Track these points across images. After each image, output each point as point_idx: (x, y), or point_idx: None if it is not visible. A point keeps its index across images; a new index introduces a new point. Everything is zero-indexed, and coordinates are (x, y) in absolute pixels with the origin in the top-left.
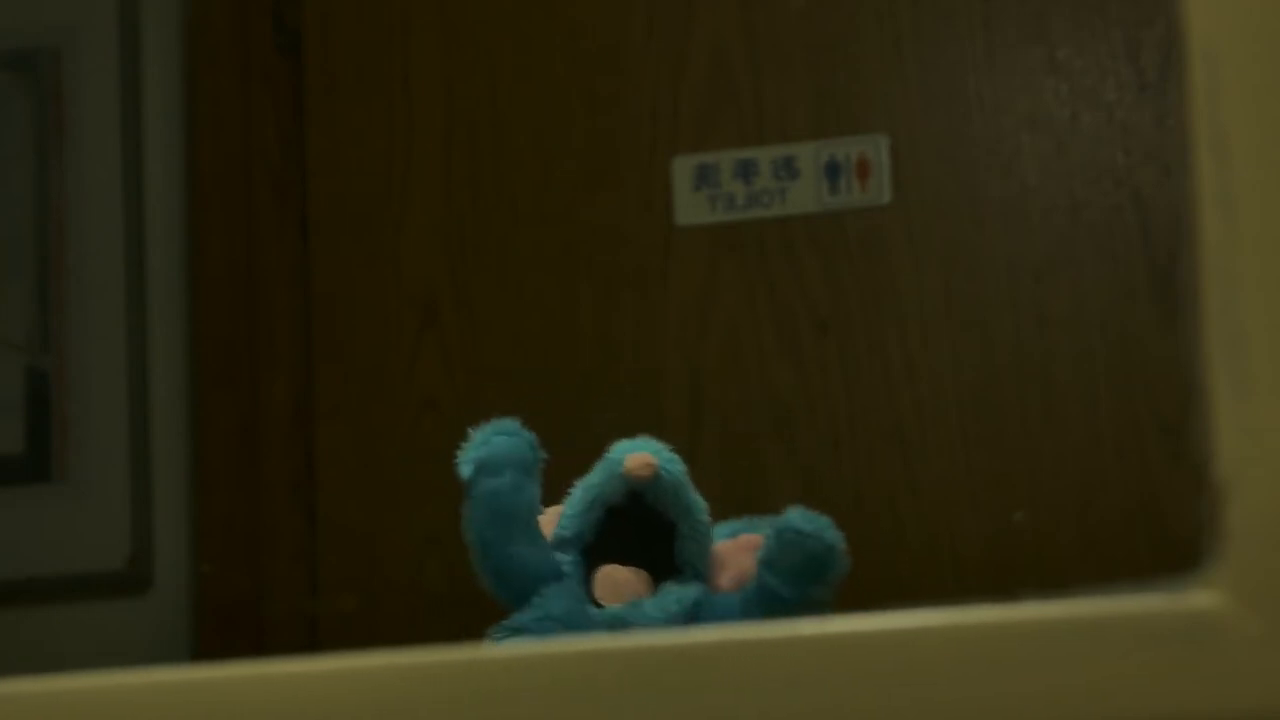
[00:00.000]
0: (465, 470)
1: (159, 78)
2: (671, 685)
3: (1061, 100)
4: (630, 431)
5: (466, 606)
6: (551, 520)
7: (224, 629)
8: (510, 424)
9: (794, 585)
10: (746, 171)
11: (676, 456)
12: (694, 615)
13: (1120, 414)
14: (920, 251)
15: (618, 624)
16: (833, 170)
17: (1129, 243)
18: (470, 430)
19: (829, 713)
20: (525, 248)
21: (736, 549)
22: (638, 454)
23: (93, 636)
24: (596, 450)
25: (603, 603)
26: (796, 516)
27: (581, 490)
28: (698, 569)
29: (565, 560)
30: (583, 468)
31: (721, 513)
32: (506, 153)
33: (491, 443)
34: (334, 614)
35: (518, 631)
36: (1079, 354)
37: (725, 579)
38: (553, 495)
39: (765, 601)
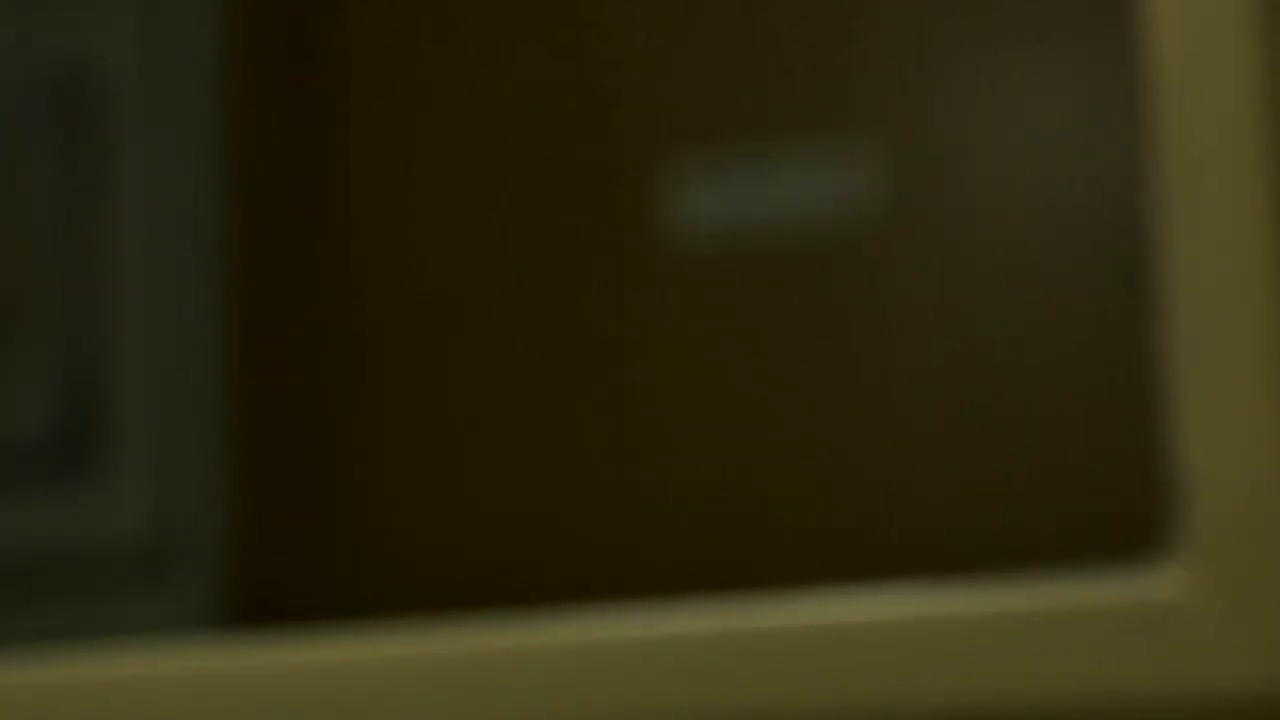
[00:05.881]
0: None
1: (193, 90)
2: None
3: (1059, 101)
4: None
5: (496, 593)
6: None
7: (253, 612)
8: None
9: None
10: (746, 172)
11: None
12: None
13: (1120, 412)
14: (918, 252)
15: None
16: (832, 171)
17: (1126, 243)
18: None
19: (795, 699)
20: (525, 248)
21: None
22: None
23: (120, 618)
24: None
25: None
26: None
27: None
28: None
29: None
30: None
31: (719, 514)
32: (506, 153)
33: None
34: (363, 599)
35: None
36: (1076, 353)
37: None
38: (551, 495)
39: None
